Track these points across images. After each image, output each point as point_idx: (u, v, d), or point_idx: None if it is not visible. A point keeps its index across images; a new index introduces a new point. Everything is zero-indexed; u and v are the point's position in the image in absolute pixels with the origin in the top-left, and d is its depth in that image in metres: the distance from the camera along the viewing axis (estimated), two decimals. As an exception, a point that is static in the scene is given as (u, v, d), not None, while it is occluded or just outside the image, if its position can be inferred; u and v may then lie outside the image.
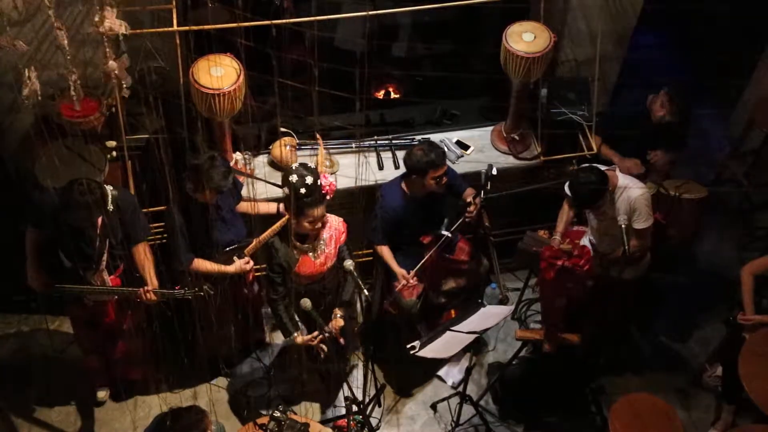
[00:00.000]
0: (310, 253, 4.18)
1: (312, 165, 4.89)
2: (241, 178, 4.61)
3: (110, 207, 4.02)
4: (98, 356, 4.69)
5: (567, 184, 4.56)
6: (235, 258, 4.37)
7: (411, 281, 4.54)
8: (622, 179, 4.45)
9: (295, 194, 3.88)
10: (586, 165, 4.53)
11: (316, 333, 4.21)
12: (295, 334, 4.23)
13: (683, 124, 5.05)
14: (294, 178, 3.90)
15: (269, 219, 4.41)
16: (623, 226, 4.30)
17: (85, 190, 3.85)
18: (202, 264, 4.31)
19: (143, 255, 4.29)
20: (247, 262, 4.38)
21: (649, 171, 5.06)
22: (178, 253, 4.23)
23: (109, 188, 4.02)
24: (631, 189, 4.39)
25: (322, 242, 4.19)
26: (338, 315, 4.31)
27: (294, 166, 3.99)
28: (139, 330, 4.57)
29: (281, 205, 4.46)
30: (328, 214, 4.20)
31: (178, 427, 3.63)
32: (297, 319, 4.28)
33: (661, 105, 4.97)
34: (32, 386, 4.97)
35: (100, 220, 4.04)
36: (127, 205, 4.17)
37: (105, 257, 4.17)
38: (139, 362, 4.75)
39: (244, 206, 4.52)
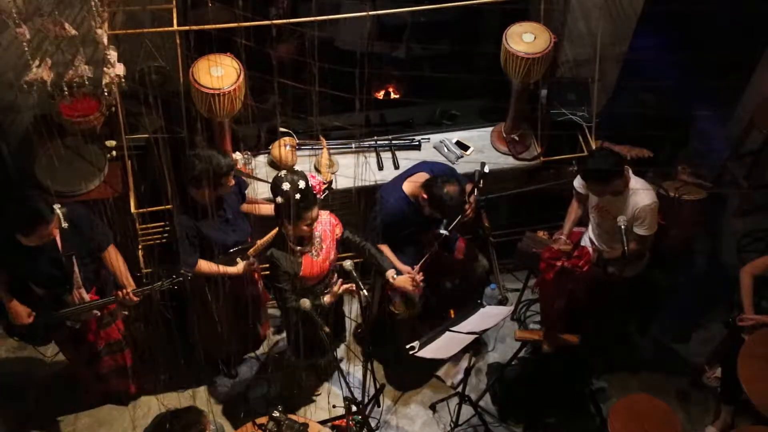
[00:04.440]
0: (311, 253, 4.18)
1: (313, 166, 4.95)
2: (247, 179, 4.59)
3: (64, 224, 3.93)
4: (88, 370, 4.64)
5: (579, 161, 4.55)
6: (238, 260, 4.33)
7: (417, 277, 4.53)
8: (634, 182, 4.42)
9: (290, 201, 3.86)
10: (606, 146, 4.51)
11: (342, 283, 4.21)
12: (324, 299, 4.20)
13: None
14: (286, 186, 3.86)
15: (273, 220, 4.38)
16: (623, 227, 4.30)
17: (29, 198, 3.81)
18: (206, 266, 4.26)
19: (114, 259, 4.21)
20: (252, 264, 4.34)
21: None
22: (184, 256, 4.17)
23: (57, 206, 3.91)
24: (640, 194, 4.37)
25: (318, 239, 4.19)
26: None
27: (281, 174, 3.94)
28: (128, 340, 4.56)
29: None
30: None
31: (177, 428, 3.63)
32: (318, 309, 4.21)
33: None
34: (31, 386, 4.97)
35: (58, 238, 3.95)
36: (81, 218, 4.06)
37: (77, 274, 4.09)
38: (131, 373, 4.73)
39: (247, 207, 4.50)
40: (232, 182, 4.22)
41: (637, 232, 4.41)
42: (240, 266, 4.32)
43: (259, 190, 4.70)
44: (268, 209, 4.50)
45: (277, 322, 5.16)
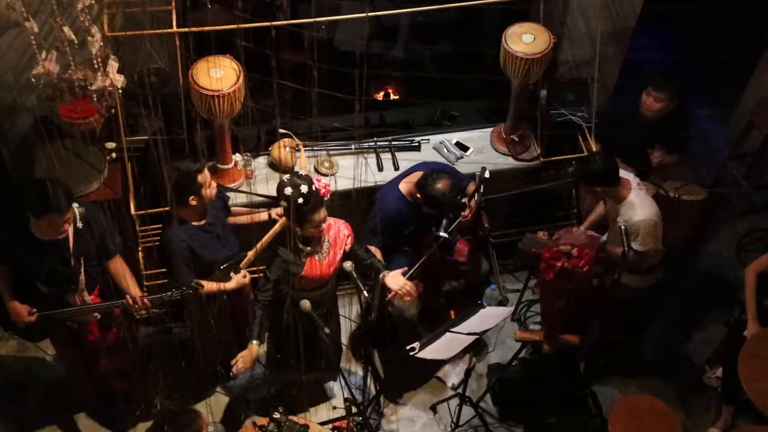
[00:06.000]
0: (317, 255, 4.16)
1: (313, 167, 4.95)
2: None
3: (79, 224, 3.94)
4: (86, 370, 4.62)
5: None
6: (231, 274, 4.26)
7: (409, 286, 4.49)
8: (633, 196, 4.34)
9: (294, 205, 3.86)
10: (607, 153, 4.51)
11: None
12: (255, 342, 4.17)
13: (683, 116, 5.08)
14: (289, 190, 3.85)
15: (263, 227, 4.34)
16: (622, 227, 4.29)
17: (53, 184, 3.77)
18: (204, 286, 4.19)
19: (121, 268, 4.20)
20: (245, 276, 4.30)
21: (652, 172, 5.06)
22: (180, 278, 4.13)
23: (75, 205, 3.92)
24: (635, 210, 4.31)
25: (327, 243, 4.18)
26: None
27: (285, 178, 3.93)
28: (125, 343, 4.55)
29: (273, 212, 4.39)
30: (329, 217, 4.18)
31: (174, 429, 3.64)
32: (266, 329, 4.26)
33: (654, 100, 4.97)
34: (31, 387, 4.97)
35: (71, 237, 3.96)
36: (96, 220, 4.06)
37: (82, 276, 4.08)
38: (128, 375, 4.71)
39: (233, 219, 4.46)
40: (212, 188, 4.14)
41: (631, 244, 4.38)
42: (235, 280, 4.27)
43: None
44: (255, 218, 4.45)
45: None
